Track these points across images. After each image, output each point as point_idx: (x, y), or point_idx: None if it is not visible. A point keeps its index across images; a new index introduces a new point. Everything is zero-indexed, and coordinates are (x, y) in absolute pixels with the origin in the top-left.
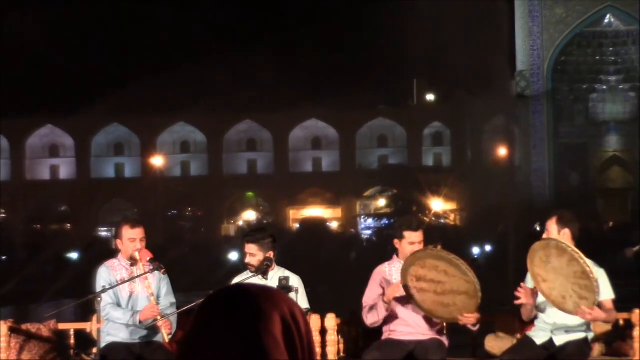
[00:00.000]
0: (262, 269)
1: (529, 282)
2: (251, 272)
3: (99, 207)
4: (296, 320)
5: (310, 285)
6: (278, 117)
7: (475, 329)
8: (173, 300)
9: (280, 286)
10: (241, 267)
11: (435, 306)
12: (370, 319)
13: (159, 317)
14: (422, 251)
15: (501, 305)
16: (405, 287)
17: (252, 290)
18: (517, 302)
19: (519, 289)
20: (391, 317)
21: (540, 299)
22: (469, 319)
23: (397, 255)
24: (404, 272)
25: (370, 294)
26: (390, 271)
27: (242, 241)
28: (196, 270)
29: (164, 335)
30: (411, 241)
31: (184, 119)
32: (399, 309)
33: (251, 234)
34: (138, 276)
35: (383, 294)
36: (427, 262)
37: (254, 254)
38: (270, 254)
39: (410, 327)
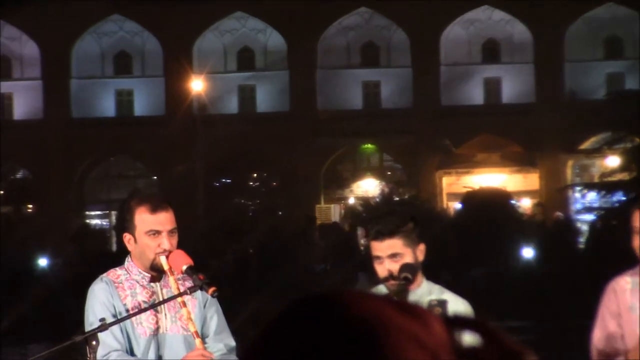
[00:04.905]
0: (400, 286)
1: None
2: (390, 290)
3: (86, 172)
4: None
5: (487, 314)
6: (420, 5)
7: None
8: (232, 342)
9: None
10: (365, 280)
11: None
12: None
13: None
14: None
15: None
16: None
17: (389, 323)
18: None
19: None
20: None
21: None
22: None
23: None
24: None
25: (603, 332)
26: (634, 291)
27: (368, 237)
28: (269, 288)
29: None
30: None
31: (243, 6)
32: None
33: (382, 221)
34: (167, 300)
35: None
36: None
37: (399, 254)
38: (420, 252)
39: None
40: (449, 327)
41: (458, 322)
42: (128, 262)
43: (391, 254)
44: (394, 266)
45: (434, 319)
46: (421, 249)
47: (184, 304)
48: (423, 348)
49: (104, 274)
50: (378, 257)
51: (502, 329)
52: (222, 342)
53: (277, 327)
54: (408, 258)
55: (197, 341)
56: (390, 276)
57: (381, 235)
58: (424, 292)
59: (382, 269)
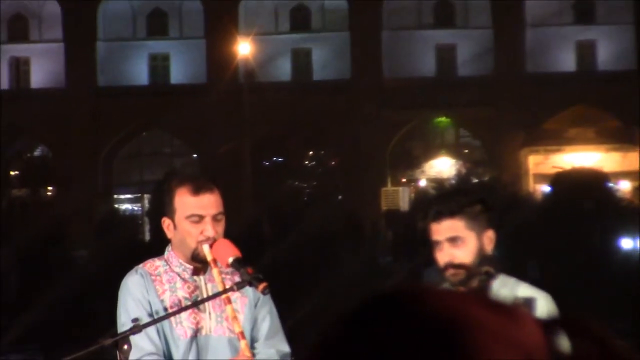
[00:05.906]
0: (477, 276)
1: None
2: (449, 280)
3: (114, 149)
4: None
5: (580, 312)
6: None
7: None
8: (285, 348)
9: None
10: (429, 274)
11: None
12: None
13: None
14: None
15: None
16: None
17: (473, 321)
18: None
19: None
20: None
21: None
22: None
23: None
24: None
25: None
26: None
27: (425, 220)
28: (328, 283)
29: None
30: None
31: None
32: None
33: (444, 200)
34: (212, 296)
35: None
36: None
37: (460, 238)
38: (488, 239)
39: None
40: (545, 327)
41: (556, 322)
42: (168, 251)
43: (451, 237)
44: (455, 252)
45: (527, 317)
46: (489, 236)
47: (229, 301)
48: (514, 348)
49: (140, 265)
50: (437, 242)
51: (609, 331)
52: (273, 347)
53: (346, 329)
54: (471, 244)
55: (242, 343)
56: (451, 264)
57: (440, 214)
58: (498, 285)
59: (442, 256)
